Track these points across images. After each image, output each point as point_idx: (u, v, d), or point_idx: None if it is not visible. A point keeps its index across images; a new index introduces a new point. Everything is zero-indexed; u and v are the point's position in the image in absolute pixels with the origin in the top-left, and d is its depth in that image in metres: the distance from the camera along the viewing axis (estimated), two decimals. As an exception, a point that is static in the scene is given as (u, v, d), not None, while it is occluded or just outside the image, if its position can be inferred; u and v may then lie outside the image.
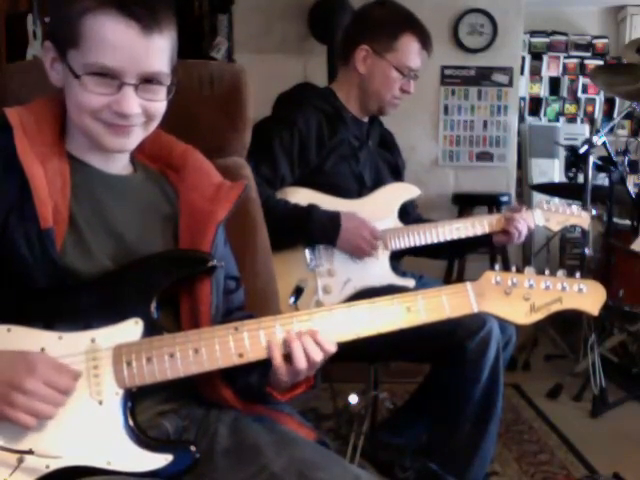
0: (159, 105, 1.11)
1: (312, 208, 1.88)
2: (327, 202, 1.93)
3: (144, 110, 1.09)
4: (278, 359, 1.05)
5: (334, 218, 1.88)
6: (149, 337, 1.03)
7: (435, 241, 2.00)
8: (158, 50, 1.07)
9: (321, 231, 1.87)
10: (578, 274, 1.21)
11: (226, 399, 1.15)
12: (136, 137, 1.12)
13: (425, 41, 2.03)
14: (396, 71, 2.01)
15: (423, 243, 1.98)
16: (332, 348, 1.07)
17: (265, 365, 1.08)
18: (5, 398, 0.93)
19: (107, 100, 1.06)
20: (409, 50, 2.00)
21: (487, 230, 2.04)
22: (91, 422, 1.00)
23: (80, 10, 1.04)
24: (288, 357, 1.06)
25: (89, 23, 1.04)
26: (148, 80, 1.07)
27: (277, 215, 1.78)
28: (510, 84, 4.32)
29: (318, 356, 1.06)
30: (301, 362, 1.05)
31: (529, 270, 1.19)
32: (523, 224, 2.04)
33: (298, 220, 1.86)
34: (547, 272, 1.20)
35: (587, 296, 1.20)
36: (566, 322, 3.34)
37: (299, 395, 1.14)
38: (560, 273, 1.20)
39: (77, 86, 1.06)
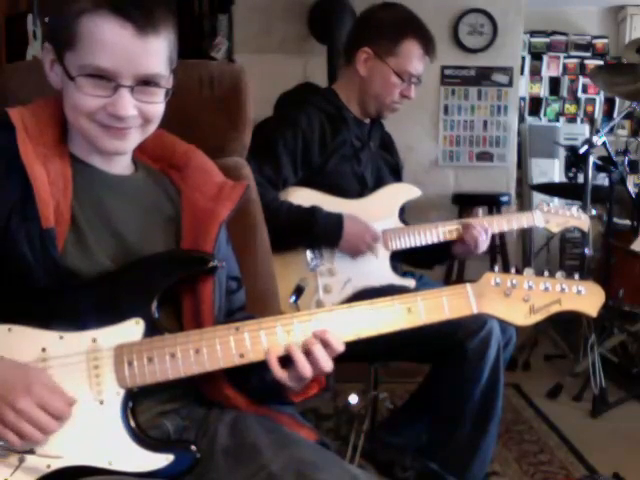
0: (156, 107, 1.11)
1: (315, 210, 1.87)
2: (329, 202, 1.93)
3: (140, 112, 1.08)
4: (278, 371, 1.05)
5: (337, 221, 1.88)
6: (150, 337, 1.03)
7: (435, 241, 2.00)
8: (154, 51, 1.06)
9: (324, 234, 1.87)
10: (577, 275, 1.22)
11: (229, 397, 1.15)
12: (133, 139, 1.12)
13: (428, 47, 2.01)
14: (396, 76, 2.00)
15: (423, 243, 1.98)
16: (341, 347, 1.07)
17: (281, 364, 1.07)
18: None
19: (102, 102, 1.05)
20: (411, 56, 1.99)
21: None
22: (92, 422, 1.00)
23: (76, 11, 1.04)
24: (286, 362, 1.06)
25: (85, 24, 1.04)
26: (145, 82, 1.07)
27: (280, 218, 1.78)
28: (510, 84, 4.32)
29: (328, 364, 1.05)
30: (306, 370, 1.04)
31: (528, 271, 1.19)
32: (480, 231, 1.97)
33: (301, 223, 1.85)
34: (546, 273, 1.20)
35: (586, 298, 1.20)
36: (566, 322, 3.34)
37: (312, 397, 1.14)
38: (559, 274, 1.20)
39: (72, 88, 1.06)
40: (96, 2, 1.04)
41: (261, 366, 1.06)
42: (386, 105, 2.05)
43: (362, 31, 2.07)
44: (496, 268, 1.20)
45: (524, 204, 4.71)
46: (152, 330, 1.04)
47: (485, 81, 4.31)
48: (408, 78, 2.01)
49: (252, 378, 1.13)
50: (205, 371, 1.04)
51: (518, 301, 1.17)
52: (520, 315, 1.17)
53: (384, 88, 2.02)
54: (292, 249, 1.89)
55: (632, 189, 3.27)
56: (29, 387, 0.94)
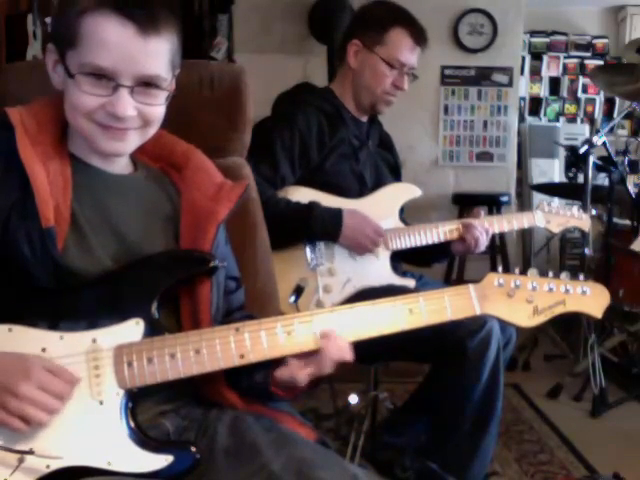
0: (156, 110, 1.10)
1: (313, 204, 1.88)
2: (328, 201, 1.93)
3: (140, 114, 1.08)
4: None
5: (336, 214, 1.88)
6: (150, 337, 1.03)
7: (436, 241, 2.00)
8: (155, 52, 1.06)
9: (323, 227, 1.87)
10: (582, 276, 1.21)
11: (227, 398, 1.15)
12: (132, 142, 1.12)
13: (418, 36, 2.01)
14: (386, 65, 2.00)
15: (424, 243, 1.98)
16: (349, 356, 1.09)
17: (269, 364, 1.08)
18: None
19: (102, 101, 1.05)
20: (399, 43, 1.99)
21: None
22: (92, 422, 1.00)
23: (78, 10, 1.05)
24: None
25: (86, 23, 1.04)
26: (145, 83, 1.07)
27: (278, 213, 1.78)
28: (510, 84, 4.32)
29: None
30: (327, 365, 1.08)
31: (532, 272, 1.18)
32: (481, 231, 1.98)
33: (299, 217, 1.85)
34: (551, 274, 1.19)
35: (591, 298, 1.19)
36: (566, 322, 3.34)
37: (302, 393, 1.14)
38: (564, 275, 1.19)
39: (72, 86, 1.06)
40: (99, 1, 1.04)
41: (250, 367, 1.06)
42: (378, 96, 2.04)
43: (352, 26, 2.10)
44: (499, 269, 1.19)
45: (524, 204, 4.71)
46: (152, 330, 1.04)
47: (485, 81, 4.31)
48: (399, 67, 2.01)
49: (242, 379, 1.13)
50: (205, 372, 1.04)
51: (521, 302, 1.16)
52: (523, 316, 1.16)
53: (374, 78, 2.02)
54: (291, 247, 1.89)
55: (632, 189, 3.27)
56: (28, 372, 0.95)
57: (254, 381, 1.13)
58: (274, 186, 1.89)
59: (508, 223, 2.10)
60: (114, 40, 1.03)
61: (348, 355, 1.10)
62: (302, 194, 1.93)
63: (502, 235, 3.92)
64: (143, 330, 1.03)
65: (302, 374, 1.08)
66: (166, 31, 1.07)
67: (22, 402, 0.93)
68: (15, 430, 0.94)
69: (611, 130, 4.33)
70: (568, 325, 3.32)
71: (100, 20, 1.03)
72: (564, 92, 5.16)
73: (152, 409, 1.10)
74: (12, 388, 0.93)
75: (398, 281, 1.98)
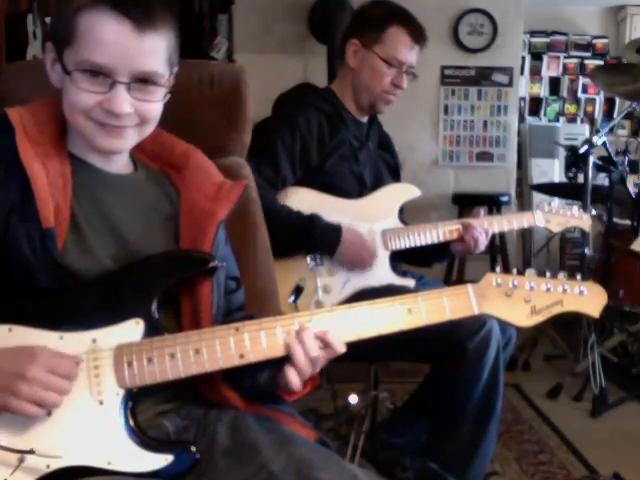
0: (153, 106, 1.11)
1: (314, 217, 1.87)
2: (328, 202, 1.93)
3: (137, 111, 1.08)
4: (301, 356, 1.05)
5: (336, 230, 1.88)
6: (150, 337, 1.03)
7: (435, 241, 2.00)
8: (152, 49, 1.06)
9: (322, 240, 1.87)
10: (579, 276, 1.21)
11: (227, 398, 1.15)
12: (130, 139, 1.12)
13: (416, 34, 2.01)
14: (384, 63, 2.00)
15: (423, 243, 1.98)
16: (342, 349, 1.07)
17: (274, 365, 1.08)
18: (9, 389, 0.93)
19: (99, 98, 1.05)
20: (397, 42, 1.99)
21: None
22: (92, 422, 1.00)
23: (75, 8, 1.05)
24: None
25: (83, 20, 1.04)
26: (142, 80, 1.07)
27: (279, 223, 1.77)
28: (510, 84, 4.33)
29: (317, 353, 1.06)
30: (301, 362, 1.05)
31: (530, 272, 1.18)
32: (480, 231, 1.98)
33: (300, 228, 1.85)
34: (548, 274, 1.19)
35: (588, 298, 1.20)
36: (566, 322, 3.34)
37: (305, 395, 1.14)
38: (561, 275, 1.19)
39: (70, 84, 1.06)
40: None
41: (254, 367, 1.06)
42: (377, 95, 2.04)
43: (351, 25, 2.11)
44: (497, 269, 1.19)
45: (524, 204, 4.72)
46: (152, 330, 1.04)
47: (485, 81, 4.31)
48: (398, 66, 2.00)
49: (245, 379, 1.13)
50: (204, 371, 1.04)
51: (519, 302, 1.17)
52: (521, 316, 1.17)
53: (373, 77, 2.02)
54: (290, 254, 1.88)
55: (632, 189, 3.27)
56: (34, 357, 0.95)
57: (258, 383, 1.12)
58: (275, 187, 1.89)
59: (508, 223, 2.10)
60: (110, 37, 1.03)
61: (341, 349, 1.08)
62: (302, 195, 1.93)
63: (502, 235, 3.93)
64: (143, 330, 1.03)
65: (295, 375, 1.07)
66: (163, 28, 1.07)
67: (33, 386, 0.94)
68: (30, 415, 0.95)
69: (611, 130, 4.33)
70: (568, 325, 3.32)
71: (96, 17, 1.04)
72: (564, 92, 5.16)
73: (152, 409, 1.10)
74: (22, 374, 0.93)
75: (398, 281, 1.98)
